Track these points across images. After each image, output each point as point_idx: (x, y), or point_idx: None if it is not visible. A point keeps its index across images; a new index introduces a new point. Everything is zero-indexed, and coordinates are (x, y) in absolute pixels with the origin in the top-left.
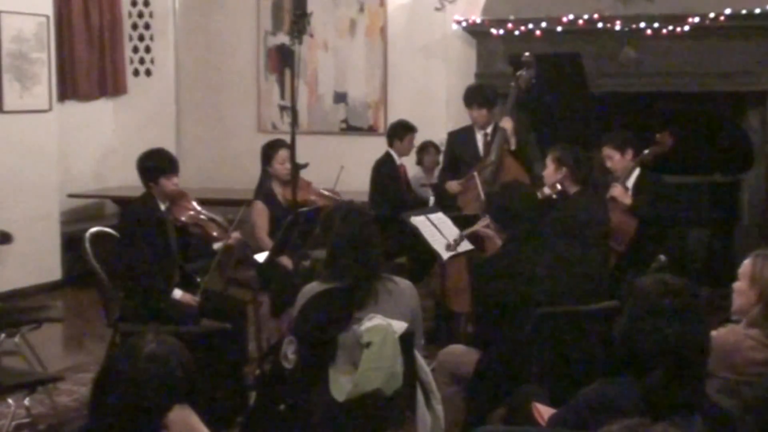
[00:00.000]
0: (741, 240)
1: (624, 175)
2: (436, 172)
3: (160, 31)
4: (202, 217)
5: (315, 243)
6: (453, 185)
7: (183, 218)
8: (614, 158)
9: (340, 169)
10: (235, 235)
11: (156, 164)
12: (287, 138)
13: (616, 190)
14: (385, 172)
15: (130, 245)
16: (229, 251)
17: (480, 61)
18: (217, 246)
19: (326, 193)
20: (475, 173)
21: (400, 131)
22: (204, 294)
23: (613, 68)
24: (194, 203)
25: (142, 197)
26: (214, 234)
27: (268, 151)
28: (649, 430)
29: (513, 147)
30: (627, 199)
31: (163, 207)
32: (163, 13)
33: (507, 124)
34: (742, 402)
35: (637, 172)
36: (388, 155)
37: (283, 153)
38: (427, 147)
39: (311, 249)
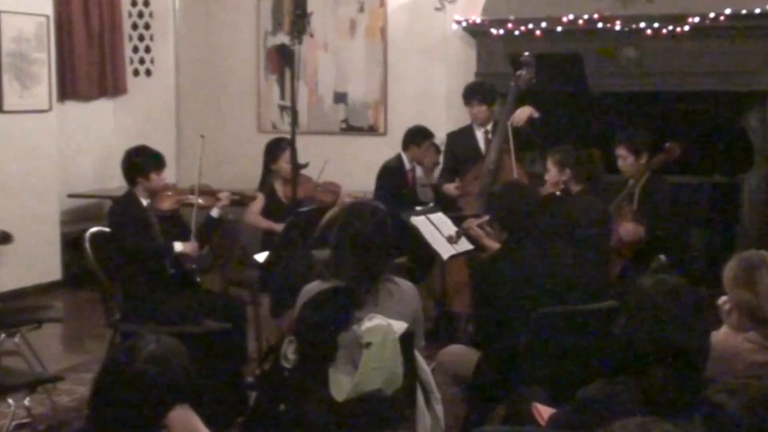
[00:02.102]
0: (741, 240)
1: (635, 178)
2: (437, 172)
3: (160, 31)
4: (185, 195)
5: (316, 243)
6: (450, 188)
7: (169, 206)
8: (628, 160)
9: (324, 162)
10: (224, 194)
11: (147, 159)
12: (287, 138)
13: (626, 229)
14: (391, 175)
15: (123, 231)
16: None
17: (480, 61)
18: (215, 213)
19: (327, 186)
20: (510, 151)
21: (419, 137)
22: (202, 293)
23: (613, 68)
24: (176, 189)
25: (123, 197)
26: (206, 203)
27: (275, 150)
28: (656, 427)
29: (537, 114)
30: (640, 232)
31: (145, 203)
32: (163, 13)
33: (517, 119)
34: (742, 402)
35: (647, 175)
36: (398, 159)
37: (290, 152)
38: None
39: (312, 249)
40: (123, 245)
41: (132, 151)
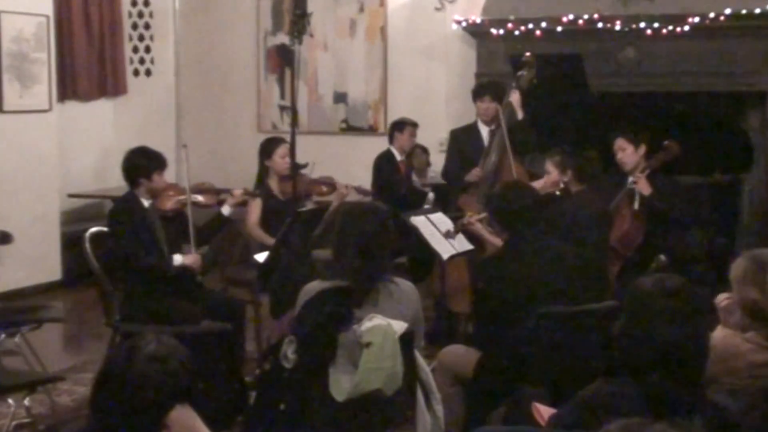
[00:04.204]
0: (741, 240)
1: (635, 172)
2: (430, 172)
3: (160, 31)
4: (184, 197)
5: (316, 243)
6: (473, 174)
7: (171, 206)
8: (626, 150)
9: (313, 164)
10: (238, 191)
11: (149, 160)
12: (287, 138)
13: (640, 181)
14: (383, 168)
15: (120, 237)
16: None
17: (480, 61)
18: (227, 210)
19: (322, 180)
20: (508, 151)
21: (400, 124)
22: (203, 294)
23: (613, 68)
24: (177, 188)
25: (123, 198)
26: (211, 202)
27: (269, 147)
28: (648, 429)
29: (520, 117)
30: (647, 190)
31: (146, 204)
32: (163, 13)
33: (514, 96)
34: (742, 402)
35: (646, 173)
36: (388, 151)
37: (284, 148)
38: (413, 149)
39: (312, 249)
40: (119, 252)
41: (133, 152)
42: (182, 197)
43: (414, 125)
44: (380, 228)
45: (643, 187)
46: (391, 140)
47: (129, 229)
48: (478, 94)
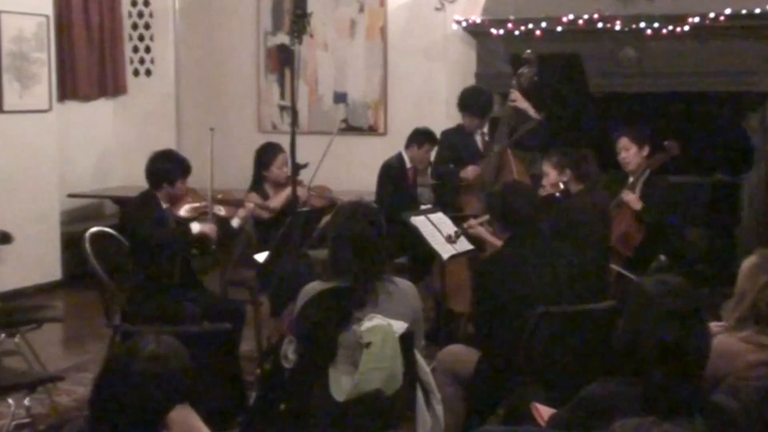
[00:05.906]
0: (741, 240)
1: (637, 171)
2: (428, 171)
3: (160, 31)
4: (204, 204)
5: (315, 243)
6: (470, 171)
7: (186, 214)
8: (630, 150)
9: (317, 167)
10: (250, 205)
11: (174, 166)
12: (287, 138)
13: (628, 196)
14: (393, 173)
15: (136, 223)
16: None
17: (480, 61)
18: (236, 223)
19: (318, 191)
20: (509, 151)
21: (421, 137)
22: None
23: (613, 68)
24: (196, 194)
25: (141, 196)
26: (225, 214)
27: (265, 156)
28: (659, 429)
29: (538, 117)
30: (637, 205)
31: (164, 206)
32: (163, 13)
33: (516, 96)
34: (743, 401)
35: (647, 173)
36: (399, 157)
37: (282, 157)
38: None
39: (311, 249)
40: (138, 234)
41: (159, 156)
42: (200, 206)
43: (434, 143)
44: (372, 228)
45: (634, 204)
46: (408, 146)
47: (147, 217)
48: (458, 107)
